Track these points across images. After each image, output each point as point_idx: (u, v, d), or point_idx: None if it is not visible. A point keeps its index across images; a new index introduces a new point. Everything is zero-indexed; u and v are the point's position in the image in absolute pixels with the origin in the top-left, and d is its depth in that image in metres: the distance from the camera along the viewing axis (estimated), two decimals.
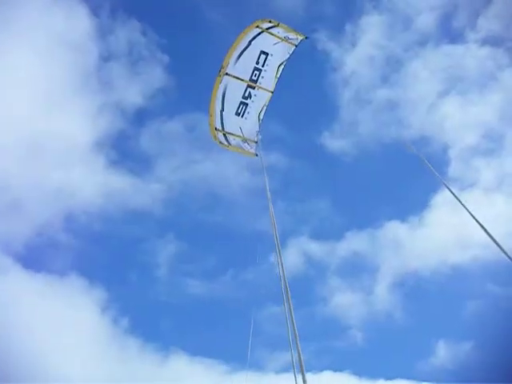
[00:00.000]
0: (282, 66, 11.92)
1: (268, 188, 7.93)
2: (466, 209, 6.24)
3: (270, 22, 11.42)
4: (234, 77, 11.23)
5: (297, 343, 4.52)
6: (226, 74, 11.05)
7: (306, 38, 11.81)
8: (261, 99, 11.79)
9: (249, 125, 11.60)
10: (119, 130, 59.87)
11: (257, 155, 11.47)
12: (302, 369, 4.39)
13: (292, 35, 11.72)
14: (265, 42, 11.41)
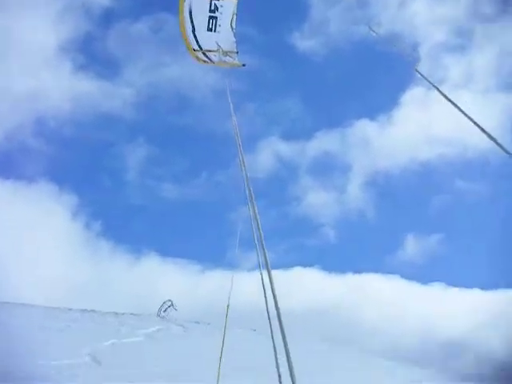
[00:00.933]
0: None
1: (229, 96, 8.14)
2: (456, 105, 6.02)
3: None
4: None
5: (261, 241, 5.18)
6: None
7: None
8: (228, 8, 11.36)
9: (224, 37, 11.33)
10: (85, 33, 59.02)
11: (244, 65, 11.43)
12: (267, 266, 5.05)
13: None
14: None
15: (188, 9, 10.86)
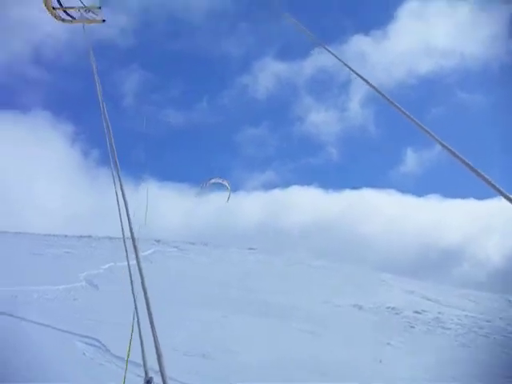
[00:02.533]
0: None
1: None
2: None
3: None
4: None
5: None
6: None
7: None
8: None
9: None
10: None
11: (104, 21, 10.71)
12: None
13: None
14: None
15: None
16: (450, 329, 16.91)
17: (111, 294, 15.38)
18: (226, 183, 16.82)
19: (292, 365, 10.87)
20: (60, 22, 10.11)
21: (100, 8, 10.43)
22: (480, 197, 38.18)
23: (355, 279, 24.19)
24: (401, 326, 16.69)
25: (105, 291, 16.20)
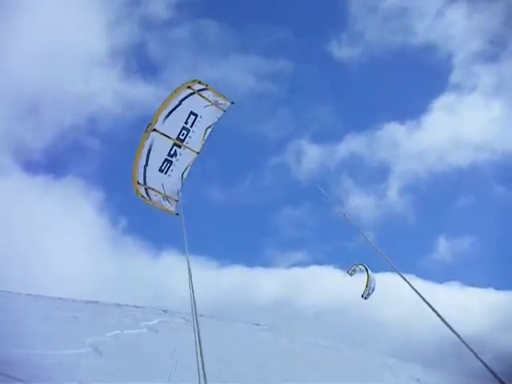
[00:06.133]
0: (210, 129, 11.92)
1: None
2: None
3: (199, 83, 11.40)
4: (162, 134, 11.18)
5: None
6: (154, 130, 11.03)
7: (232, 103, 11.89)
8: (186, 159, 11.64)
9: (171, 183, 11.44)
10: (135, 39, 59.96)
11: (177, 214, 11.36)
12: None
13: (221, 100, 11.77)
14: (195, 103, 11.41)
15: (149, 145, 10.99)
16: None
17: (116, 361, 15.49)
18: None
19: None
20: (138, 197, 10.85)
21: (177, 201, 11.26)
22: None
23: (361, 362, 23.92)
24: None
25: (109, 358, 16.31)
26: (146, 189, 11.02)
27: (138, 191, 10.85)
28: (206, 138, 11.83)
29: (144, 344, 19.57)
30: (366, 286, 15.70)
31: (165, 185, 11.27)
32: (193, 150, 11.72)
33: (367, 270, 15.87)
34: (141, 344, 19.45)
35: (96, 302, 28.01)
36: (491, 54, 57.67)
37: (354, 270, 15.40)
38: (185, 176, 11.62)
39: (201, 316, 29.39)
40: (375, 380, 20.38)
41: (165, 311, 27.70)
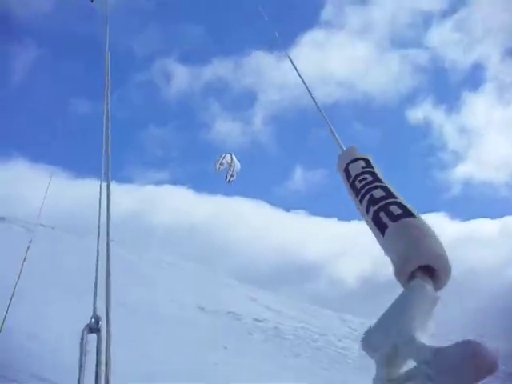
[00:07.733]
0: None
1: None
2: None
3: None
4: None
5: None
6: None
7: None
8: None
9: None
10: None
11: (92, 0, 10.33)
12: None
13: None
14: None
15: None
16: (286, 339, 17.68)
17: None
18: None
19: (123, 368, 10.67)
20: None
21: None
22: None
23: (203, 280, 24.45)
24: (240, 332, 17.14)
25: None
26: None
27: None
28: None
29: None
30: (230, 166, 15.63)
31: None
32: None
33: (231, 156, 15.75)
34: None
35: None
36: None
37: (222, 164, 15.20)
38: None
39: (44, 226, 28.05)
40: (213, 296, 20.89)
41: (3, 219, 25.98)
